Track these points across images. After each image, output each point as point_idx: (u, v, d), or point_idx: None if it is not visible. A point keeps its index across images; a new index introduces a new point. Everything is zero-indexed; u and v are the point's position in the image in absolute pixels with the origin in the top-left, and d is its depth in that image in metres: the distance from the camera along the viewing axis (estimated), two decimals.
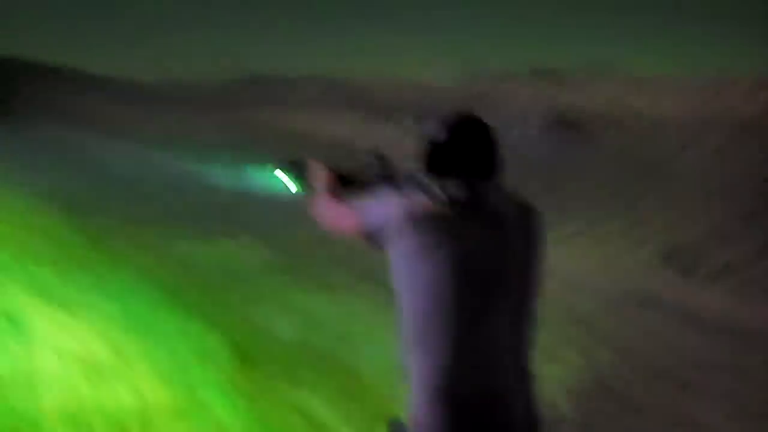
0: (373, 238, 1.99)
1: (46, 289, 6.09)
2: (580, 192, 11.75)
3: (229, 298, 6.44)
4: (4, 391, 4.16)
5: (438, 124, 2.01)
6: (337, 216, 2.22)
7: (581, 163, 12.81)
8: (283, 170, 2.51)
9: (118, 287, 6.26)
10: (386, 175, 2.29)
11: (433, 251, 1.82)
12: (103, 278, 6.46)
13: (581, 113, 14.31)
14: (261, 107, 20.73)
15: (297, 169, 2.49)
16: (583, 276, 8.32)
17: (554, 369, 5.32)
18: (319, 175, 2.41)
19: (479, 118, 2.05)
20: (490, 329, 1.84)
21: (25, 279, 6.43)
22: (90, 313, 5.58)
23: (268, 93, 21.76)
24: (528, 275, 1.96)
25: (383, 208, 1.97)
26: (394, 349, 1.99)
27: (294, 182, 2.48)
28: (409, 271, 1.86)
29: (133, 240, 8.46)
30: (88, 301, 5.86)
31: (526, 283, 1.96)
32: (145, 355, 4.89)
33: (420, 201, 1.90)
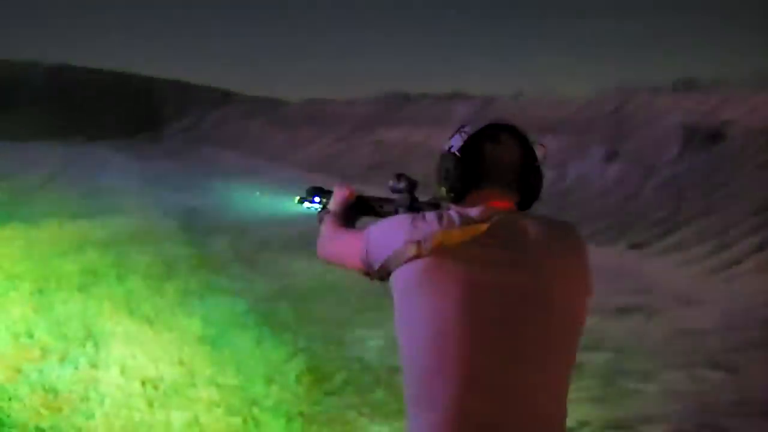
0: (374, 269, 1.75)
1: (133, 301, 6.07)
2: (713, 206, 10.56)
3: (319, 316, 6.02)
4: (62, 405, 4.07)
5: (457, 134, 1.79)
6: (337, 242, 2.00)
7: (719, 178, 11.55)
8: (306, 198, 2.38)
9: (202, 304, 6.06)
10: (412, 202, 2.07)
11: (436, 285, 1.60)
12: (190, 295, 6.31)
13: (727, 126, 12.98)
14: (407, 125, 20.86)
15: (321, 196, 2.35)
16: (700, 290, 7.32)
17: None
18: (337, 194, 2.22)
19: (511, 126, 1.80)
20: (506, 384, 1.58)
21: (116, 290, 6.46)
22: (169, 328, 5.41)
23: (419, 112, 21.75)
24: (564, 315, 1.65)
25: (389, 234, 1.73)
26: None
27: (317, 209, 2.32)
28: (406, 309, 1.65)
29: (236, 256, 8.45)
30: (171, 315, 5.69)
31: (561, 324, 1.65)
32: (210, 372, 4.60)
33: (431, 226, 1.65)
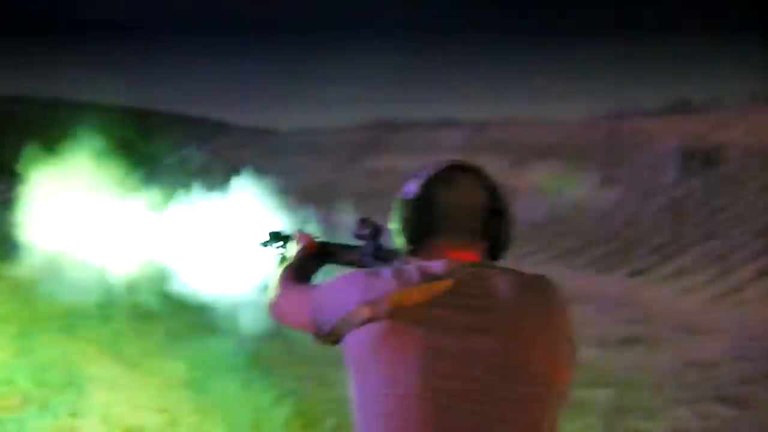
0: (323, 333, 1.56)
1: (118, 344, 5.89)
2: (714, 231, 10.41)
3: (309, 354, 5.82)
4: None
5: (413, 179, 1.63)
6: (285, 300, 1.79)
7: (719, 202, 11.44)
8: (268, 242, 2.25)
9: (189, 345, 5.89)
10: (376, 250, 1.93)
11: (391, 354, 1.42)
12: (177, 336, 6.15)
13: (725, 149, 12.90)
14: (400, 153, 20.51)
15: (281, 241, 2.21)
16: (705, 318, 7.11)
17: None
18: (296, 243, 2.06)
19: (473, 168, 1.65)
20: None
21: (102, 331, 6.28)
22: (154, 371, 5.22)
23: (410, 140, 21.66)
24: (540, 386, 1.45)
25: (341, 293, 1.55)
26: None
27: (278, 255, 2.18)
28: (358, 382, 1.46)
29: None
30: (157, 357, 5.51)
31: (536, 397, 1.45)
32: (194, 420, 4.42)
33: (387, 285, 1.48)
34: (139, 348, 5.74)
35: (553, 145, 16.66)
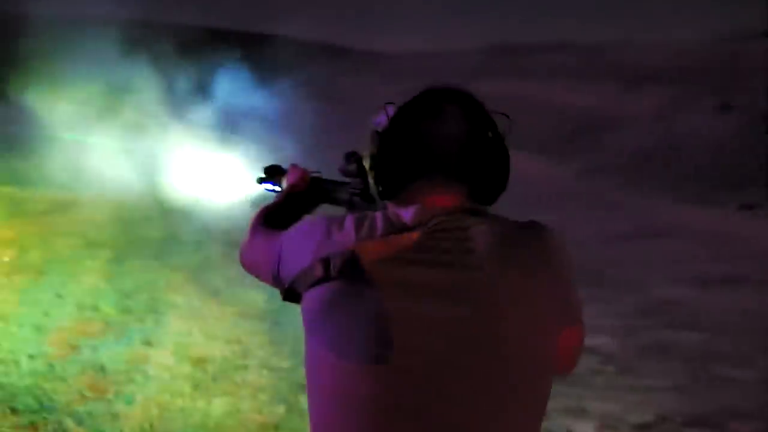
0: (282, 286, 1.34)
1: (206, 272, 5.89)
2: None
3: None
4: (107, 387, 3.91)
5: (386, 107, 1.38)
6: (253, 246, 1.55)
7: None
8: (265, 178, 2.04)
9: None
10: (365, 188, 1.65)
11: (341, 320, 1.19)
12: None
13: None
14: (515, 78, 19.86)
15: (274, 176, 2.00)
16: None
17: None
18: (288, 178, 1.85)
19: (458, 93, 1.35)
20: None
21: (193, 258, 6.30)
22: (234, 302, 5.14)
23: (525, 64, 20.89)
24: (523, 359, 1.18)
25: (300, 245, 1.33)
26: None
27: (274, 191, 2.00)
28: (308, 350, 1.26)
29: None
30: (239, 287, 5.43)
31: (519, 372, 1.18)
32: (264, 353, 4.31)
33: (345, 237, 1.25)
34: (223, 277, 5.69)
35: (670, 69, 15.48)
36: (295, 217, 1.68)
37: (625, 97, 15.05)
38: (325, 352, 1.21)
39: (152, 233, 7.15)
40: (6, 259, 5.88)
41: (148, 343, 4.44)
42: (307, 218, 1.45)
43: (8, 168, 7.95)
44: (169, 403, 3.73)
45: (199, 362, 4.18)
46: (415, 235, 1.22)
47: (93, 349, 4.28)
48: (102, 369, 4.06)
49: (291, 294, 1.32)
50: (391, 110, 1.35)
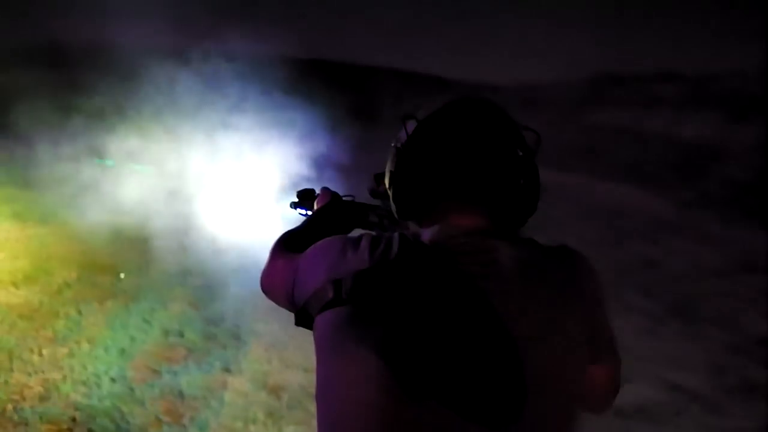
0: (296, 309, 1.27)
1: None
2: None
3: None
4: (184, 412, 3.95)
5: (408, 121, 1.28)
6: (271, 269, 1.46)
7: None
8: (297, 203, 1.99)
9: None
10: (390, 211, 1.52)
11: (351, 347, 1.10)
12: None
13: None
14: (619, 108, 19.31)
15: (307, 200, 1.95)
16: None
17: None
18: (318, 202, 1.82)
19: (484, 105, 1.23)
20: None
21: None
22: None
23: (628, 94, 20.33)
24: (545, 394, 1.05)
25: (314, 265, 1.25)
26: None
27: (306, 215, 1.94)
28: (319, 377, 1.19)
29: None
30: None
31: (541, 408, 1.04)
32: None
33: (360, 257, 1.16)
34: None
35: None
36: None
37: (728, 128, 14.34)
38: (334, 380, 1.14)
39: (243, 261, 7.22)
40: (122, 275, 6.12)
41: (227, 370, 4.43)
42: (326, 238, 1.33)
43: (110, 197, 8.29)
44: (242, 430, 3.68)
45: (275, 390, 4.12)
46: (432, 256, 1.12)
47: (173, 375, 4.30)
48: (180, 394, 4.06)
49: (304, 317, 1.24)
50: (412, 126, 1.26)
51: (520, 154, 1.22)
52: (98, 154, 8.27)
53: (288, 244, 1.50)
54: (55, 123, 8.62)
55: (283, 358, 4.60)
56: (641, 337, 5.43)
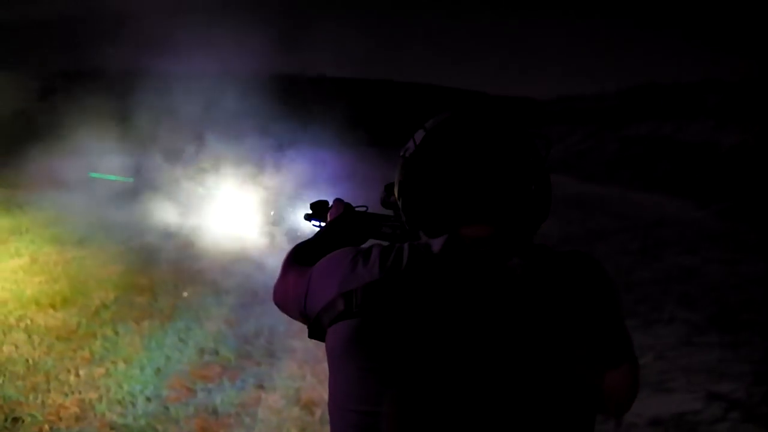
0: (308, 322, 1.28)
1: None
2: None
3: None
4: (217, 430, 3.95)
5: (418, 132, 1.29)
6: (282, 282, 1.47)
7: None
8: (310, 215, 1.99)
9: None
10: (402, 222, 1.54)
11: (361, 360, 1.12)
12: None
13: None
14: (658, 118, 19.06)
15: (321, 212, 1.95)
16: None
17: None
18: (330, 213, 1.82)
19: (495, 113, 1.25)
20: None
21: None
22: None
23: (668, 103, 20.10)
24: (556, 382, 1.06)
25: (326, 277, 1.26)
26: None
27: (320, 227, 1.93)
28: (330, 388, 1.21)
29: None
30: None
31: (552, 398, 1.06)
32: None
33: (370, 269, 1.17)
34: None
35: None
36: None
37: None
38: (346, 392, 1.14)
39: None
40: (185, 294, 6.23)
41: (260, 387, 4.45)
42: (337, 250, 1.33)
43: (146, 220, 8.44)
44: None
45: (308, 405, 4.12)
46: (443, 266, 1.12)
47: (208, 393, 4.33)
48: (214, 411, 4.08)
49: (317, 330, 1.24)
50: (420, 135, 1.26)
51: (530, 160, 1.21)
52: (130, 173, 8.44)
53: (300, 257, 1.51)
54: (93, 147, 8.83)
55: (317, 373, 4.60)
56: (681, 346, 5.32)
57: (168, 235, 8.66)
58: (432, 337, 1.08)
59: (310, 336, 1.28)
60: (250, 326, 5.67)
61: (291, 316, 1.42)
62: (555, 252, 1.15)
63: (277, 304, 1.49)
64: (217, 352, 5.08)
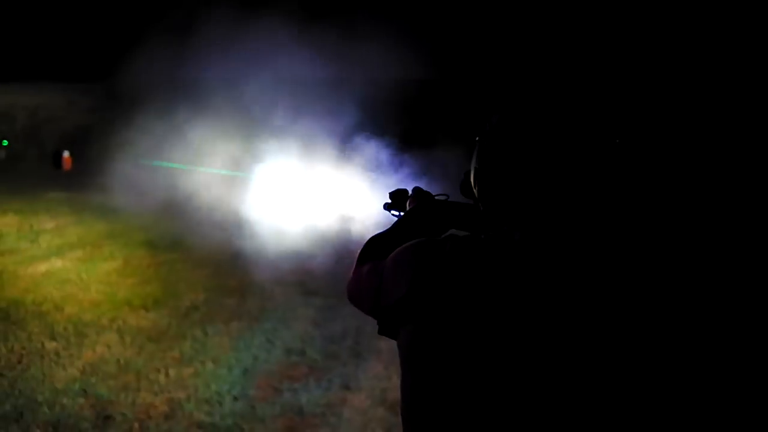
0: (380, 318, 1.28)
1: None
2: None
3: None
4: (303, 429, 4.03)
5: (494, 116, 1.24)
6: (356, 278, 1.46)
7: None
8: (389, 204, 1.97)
9: None
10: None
11: (427, 360, 1.12)
12: None
13: None
14: None
15: (400, 201, 1.93)
16: None
17: None
18: (410, 203, 1.80)
19: (568, 101, 1.18)
20: None
21: None
22: None
23: None
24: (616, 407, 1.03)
25: (397, 272, 1.23)
26: None
27: (399, 216, 1.90)
28: (402, 388, 1.22)
29: None
30: None
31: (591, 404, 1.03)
32: None
33: (438, 263, 1.14)
34: None
35: None
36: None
37: None
38: (418, 392, 1.14)
39: None
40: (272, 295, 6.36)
41: (346, 387, 4.48)
42: (410, 242, 1.29)
43: (236, 224, 8.67)
44: None
45: (393, 406, 4.13)
46: (521, 260, 1.08)
47: (294, 392, 4.40)
48: (300, 411, 4.14)
49: (388, 326, 1.24)
50: (496, 119, 1.22)
51: (610, 144, 1.16)
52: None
53: (374, 249, 1.49)
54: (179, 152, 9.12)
55: None
56: None
57: (257, 237, 8.88)
58: (506, 338, 1.05)
59: (380, 332, 1.27)
60: (336, 327, 5.73)
61: (363, 311, 1.40)
62: (630, 248, 1.10)
63: (350, 298, 1.48)
64: (303, 353, 5.16)
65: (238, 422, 4.00)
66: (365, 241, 1.57)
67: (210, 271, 7.45)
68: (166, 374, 4.63)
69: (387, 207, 1.97)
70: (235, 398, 4.31)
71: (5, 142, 17.04)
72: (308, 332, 5.64)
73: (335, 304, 6.37)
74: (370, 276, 1.34)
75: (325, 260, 8.10)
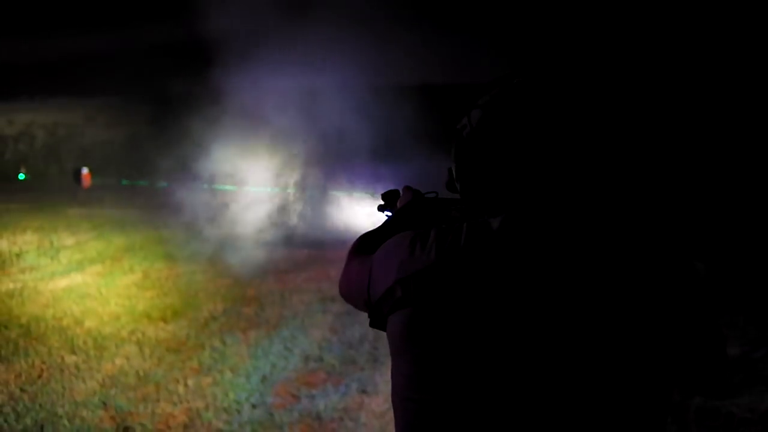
0: (370, 310, 1.31)
1: None
2: None
3: None
4: None
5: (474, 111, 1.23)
6: (347, 273, 1.50)
7: None
8: (383, 206, 1.98)
9: None
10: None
11: (419, 349, 1.15)
12: None
13: None
14: None
15: (392, 202, 1.95)
16: None
17: None
18: (400, 201, 1.81)
19: (558, 76, 1.19)
20: None
21: None
22: None
23: None
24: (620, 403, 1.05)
25: (385, 262, 1.26)
26: None
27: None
28: (393, 378, 1.25)
29: None
30: None
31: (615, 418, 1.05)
32: None
33: (427, 253, 1.17)
34: None
35: None
36: None
37: None
38: (406, 383, 1.17)
39: None
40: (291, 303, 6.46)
41: (363, 391, 4.54)
42: (396, 235, 1.32)
43: (253, 235, 8.80)
44: None
45: None
46: (501, 246, 1.10)
47: (312, 399, 4.46)
48: (318, 417, 4.20)
49: (377, 318, 1.27)
50: (476, 114, 1.22)
51: (596, 135, 1.15)
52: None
53: (363, 246, 1.52)
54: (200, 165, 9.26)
55: None
56: None
57: (273, 248, 9.00)
58: (489, 324, 1.07)
59: (371, 325, 1.30)
60: (354, 332, 5.79)
61: (356, 307, 1.43)
62: (626, 230, 1.10)
63: (342, 296, 1.52)
64: (321, 359, 5.22)
65: (257, 429, 4.07)
66: (355, 240, 1.60)
67: (229, 282, 7.55)
68: (185, 384, 4.72)
69: (380, 208, 2.00)
70: (254, 406, 4.38)
71: (22, 176, 17.35)
72: (326, 338, 5.70)
73: (353, 310, 6.39)
74: (359, 271, 1.38)
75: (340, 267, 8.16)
